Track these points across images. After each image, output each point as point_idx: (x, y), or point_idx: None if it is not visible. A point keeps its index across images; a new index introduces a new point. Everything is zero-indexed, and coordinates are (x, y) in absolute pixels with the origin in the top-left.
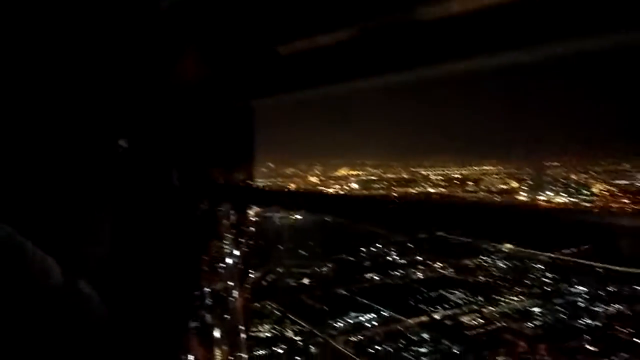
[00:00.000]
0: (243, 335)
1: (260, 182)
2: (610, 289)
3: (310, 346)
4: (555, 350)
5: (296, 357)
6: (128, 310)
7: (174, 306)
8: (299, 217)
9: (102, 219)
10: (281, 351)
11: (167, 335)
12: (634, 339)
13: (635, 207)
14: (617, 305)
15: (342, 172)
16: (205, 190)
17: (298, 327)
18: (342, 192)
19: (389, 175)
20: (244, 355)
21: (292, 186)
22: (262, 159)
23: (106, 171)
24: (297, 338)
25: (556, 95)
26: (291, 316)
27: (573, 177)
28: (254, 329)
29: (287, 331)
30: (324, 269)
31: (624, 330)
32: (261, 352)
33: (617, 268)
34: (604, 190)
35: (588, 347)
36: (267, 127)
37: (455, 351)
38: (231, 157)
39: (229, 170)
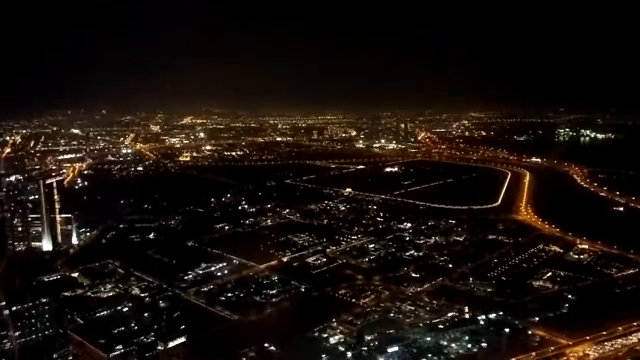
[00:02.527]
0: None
1: (91, 130)
2: (430, 223)
3: (160, 301)
4: (386, 280)
5: (144, 314)
6: None
7: None
8: (141, 169)
9: None
10: (127, 309)
11: None
12: (449, 265)
13: (451, 151)
14: (435, 237)
15: (188, 120)
16: None
17: (145, 283)
18: (187, 142)
19: (237, 125)
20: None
21: (131, 135)
22: (95, 107)
23: None
24: (144, 295)
25: (388, 55)
26: (137, 273)
27: (402, 126)
28: (95, 290)
29: (133, 289)
30: (172, 222)
31: (441, 258)
32: (104, 312)
33: (435, 205)
34: (427, 138)
35: (413, 274)
36: (103, 73)
37: (302, 290)
38: None
39: None
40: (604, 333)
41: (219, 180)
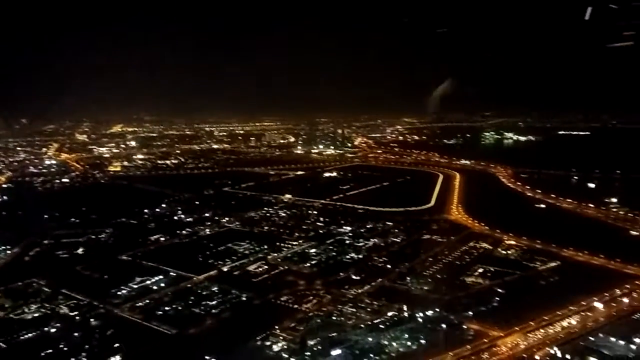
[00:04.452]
0: None
1: (10, 141)
2: (368, 226)
3: (91, 320)
4: (328, 284)
5: (74, 334)
6: None
7: None
8: (66, 181)
9: None
10: (55, 330)
11: None
12: (387, 266)
13: (386, 155)
14: (374, 240)
15: (117, 128)
16: None
17: (74, 301)
18: (117, 151)
19: (171, 132)
20: None
21: (55, 145)
22: (13, 117)
23: None
24: (74, 313)
25: (323, 61)
26: (65, 291)
27: (339, 131)
28: (18, 312)
29: (61, 308)
30: (102, 235)
31: (380, 259)
32: (29, 335)
33: (373, 208)
34: (363, 143)
35: (354, 277)
36: (22, 80)
37: (243, 299)
38: None
39: None
40: (532, 323)
41: (152, 190)
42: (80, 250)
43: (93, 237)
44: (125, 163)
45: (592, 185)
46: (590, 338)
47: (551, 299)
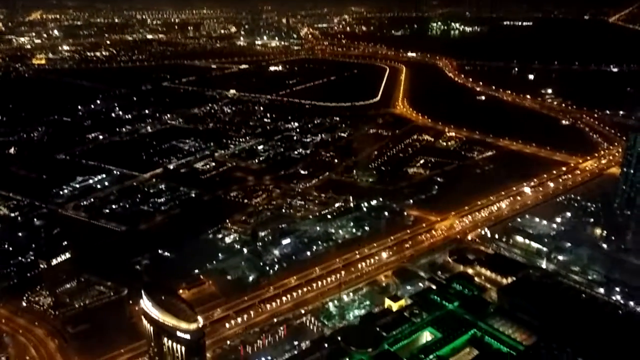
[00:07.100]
0: None
1: None
2: (316, 121)
3: (34, 219)
4: (277, 179)
5: (18, 234)
6: None
7: None
8: None
9: None
10: None
11: None
12: (334, 160)
13: (333, 48)
14: (321, 135)
15: (37, 16)
16: None
17: (13, 202)
18: (39, 41)
19: (99, 20)
20: None
21: None
22: None
23: None
24: (15, 214)
25: None
26: (1, 192)
27: (284, 21)
28: None
29: (0, 209)
30: (35, 133)
31: (327, 154)
32: None
33: (320, 103)
34: (309, 34)
35: (301, 171)
36: None
37: (192, 195)
38: None
39: None
40: (466, 208)
41: (84, 85)
42: (12, 150)
43: (25, 135)
44: (50, 55)
45: (531, 77)
46: (518, 219)
47: (485, 186)
